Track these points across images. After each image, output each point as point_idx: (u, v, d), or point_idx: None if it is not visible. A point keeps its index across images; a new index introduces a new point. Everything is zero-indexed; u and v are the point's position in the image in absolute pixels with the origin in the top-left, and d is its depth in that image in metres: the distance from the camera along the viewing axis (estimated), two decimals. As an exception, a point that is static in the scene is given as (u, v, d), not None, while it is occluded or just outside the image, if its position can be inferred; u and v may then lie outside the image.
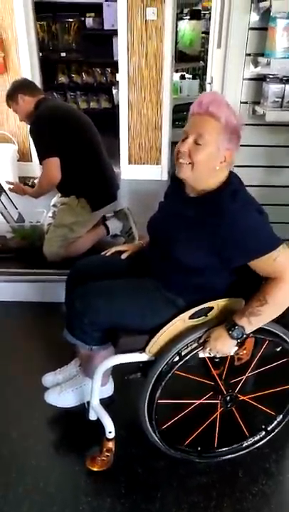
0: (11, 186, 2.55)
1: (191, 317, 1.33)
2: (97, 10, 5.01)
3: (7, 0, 3.42)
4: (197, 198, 1.34)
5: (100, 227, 2.51)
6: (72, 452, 1.56)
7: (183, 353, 1.31)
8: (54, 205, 2.58)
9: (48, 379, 1.73)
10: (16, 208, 2.77)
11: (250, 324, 1.26)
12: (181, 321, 1.33)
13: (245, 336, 1.27)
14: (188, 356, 1.32)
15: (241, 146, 1.31)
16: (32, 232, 2.59)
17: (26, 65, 3.63)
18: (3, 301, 2.37)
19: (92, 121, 2.46)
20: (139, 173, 3.77)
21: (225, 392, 1.42)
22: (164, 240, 1.37)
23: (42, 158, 2.33)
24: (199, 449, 1.50)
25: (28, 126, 3.63)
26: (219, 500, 1.43)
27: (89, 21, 5.13)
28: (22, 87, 2.44)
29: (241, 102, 2.10)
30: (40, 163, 2.38)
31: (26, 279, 2.40)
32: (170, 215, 1.41)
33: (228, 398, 1.43)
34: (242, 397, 1.46)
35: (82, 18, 5.14)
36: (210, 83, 2.81)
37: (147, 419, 1.39)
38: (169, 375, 1.32)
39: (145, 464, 1.51)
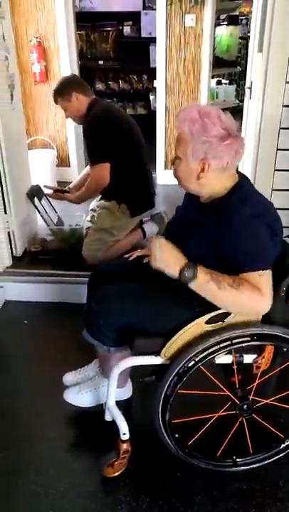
0: (50, 192, 2.62)
1: (208, 322, 1.31)
2: (135, 18, 5.10)
3: (50, 11, 3.54)
4: (206, 205, 1.34)
5: (137, 231, 2.54)
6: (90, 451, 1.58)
7: (198, 358, 1.30)
8: (93, 210, 2.62)
9: (69, 378, 1.77)
10: (56, 212, 2.85)
11: (203, 280, 1.21)
12: (198, 326, 1.31)
13: (187, 280, 1.21)
14: (204, 361, 1.29)
15: (281, 150, 1.28)
16: (71, 235, 2.65)
17: (67, 73, 3.72)
18: (42, 302, 2.44)
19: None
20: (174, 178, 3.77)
21: (239, 402, 1.38)
22: (178, 244, 1.34)
23: (94, 161, 2.34)
24: (234, 457, 1.48)
25: (68, 130, 3.82)
26: (259, 508, 1.40)
27: (126, 30, 5.23)
28: (76, 84, 2.41)
29: (284, 106, 2.08)
30: (91, 166, 2.38)
31: (64, 280, 2.45)
32: (183, 220, 1.43)
33: (244, 407, 1.39)
34: (263, 402, 1.41)
35: (120, 27, 5.24)
36: (249, 87, 2.79)
37: (162, 426, 1.38)
38: (184, 379, 1.30)
39: (184, 468, 1.51)
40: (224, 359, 1.35)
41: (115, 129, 2.30)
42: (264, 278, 1.22)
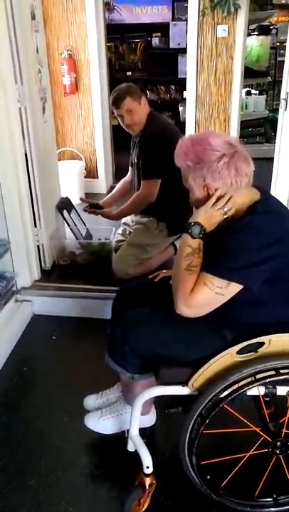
0: (86, 205, 2.56)
1: (239, 352, 1.23)
2: (164, 30, 5.10)
3: (81, 25, 3.56)
4: (230, 227, 1.25)
5: (169, 247, 2.47)
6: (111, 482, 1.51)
7: (229, 391, 1.21)
8: (126, 223, 2.57)
9: (90, 403, 1.70)
10: (85, 225, 2.81)
11: (193, 244, 1.22)
12: (229, 356, 1.23)
13: (189, 230, 1.23)
14: (237, 394, 1.20)
15: None
16: (100, 248, 2.60)
17: (96, 85, 3.73)
18: (69, 316, 2.39)
19: None
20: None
21: (272, 439, 1.28)
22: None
23: (147, 176, 2.29)
24: (275, 496, 1.37)
25: (96, 142, 3.80)
26: None
27: (155, 41, 5.24)
28: (140, 92, 2.31)
29: None
30: (144, 179, 2.31)
31: (93, 295, 2.40)
32: (209, 243, 1.32)
33: (278, 444, 1.29)
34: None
35: (149, 38, 5.26)
36: (285, 99, 2.70)
37: (188, 459, 1.29)
38: (213, 413, 1.21)
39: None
40: (254, 391, 1.25)
41: (171, 147, 2.23)
42: (206, 290, 1.16)
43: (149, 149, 2.26)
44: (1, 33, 1.97)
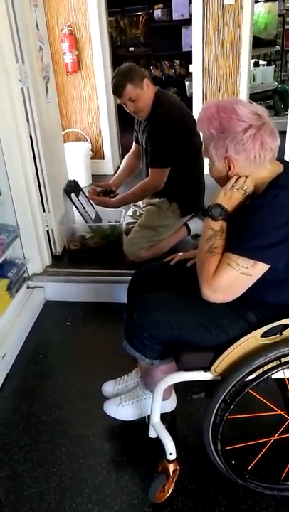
0: (95, 190, 2.50)
1: (264, 335, 1.18)
2: (166, 0, 4.89)
3: (81, -2, 3.40)
4: (248, 207, 1.19)
5: (181, 228, 2.40)
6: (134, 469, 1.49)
7: (254, 375, 1.17)
8: (136, 205, 2.51)
9: (108, 389, 1.67)
10: (94, 208, 2.75)
11: (215, 226, 1.18)
12: (253, 339, 1.18)
13: (210, 212, 1.19)
14: (262, 378, 1.16)
15: None
16: (111, 231, 2.55)
17: (99, 62, 3.60)
18: (82, 301, 2.36)
19: None
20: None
21: None
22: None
23: (156, 165, 2.21)
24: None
25: (102, 122, 3.70)
26: None
27: (157, 13, 5.03)
28: (142, 72, 2.14)
29: None
30: (152, 167, 2.23)
31: (105, 279, 2.36)
32: (233, 223, 1.26)
33: None
34: None
35: (151, 11, 5.05)
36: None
37: (212, 445, 1.26)
38: (238, 398, 1.18)
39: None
40: (279, 374, 1.21)
41: (183, 132, 2.13)
42: (230, 271, 1.11)
43: (159, 138, 2.16)
44: (-1, 9, 1.87)
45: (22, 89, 2.07)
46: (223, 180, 1.22)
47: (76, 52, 3.56)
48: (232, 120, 1.12)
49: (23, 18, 2.00)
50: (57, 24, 3.51)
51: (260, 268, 1.12)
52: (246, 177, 1.18)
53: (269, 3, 4.65)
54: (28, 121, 2.15)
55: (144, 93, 2.12)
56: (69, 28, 3.47)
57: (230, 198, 1.19)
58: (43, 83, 2.28)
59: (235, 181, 1.18)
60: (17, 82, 2.02)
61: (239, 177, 1.18)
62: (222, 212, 1.18)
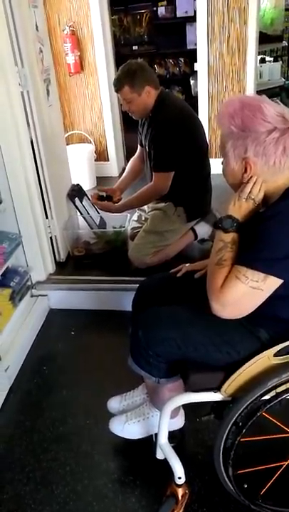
0: (97, 194, 2.44)
1: (277, 354, 1.11)
2: (170, -3, 4.81)
3: (83, -3, 3.34)
4: (262, 214, 1.11)
5: (188, 233, 2.33)
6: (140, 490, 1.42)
7: (268, 396, 1.09)
8: (141, 209, 2.44)
9: (114, 406, 1.60)
10: (98, 212, 2.68)
11: (226, 238, 1.12)
12: (265, 359, 1.11)
13: (221, 224, 1.12)
14: (276, 401, 1.09)
15: None
16: (115, 237, 2.48)
17: (102, 62, 3.54)
18: (87, 309, 2.30)
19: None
20: (220, 167, 3.48)
21: None
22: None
23: (160, 169, 2.14)
24: None
25: (106, 123, 3.63)
26: None
27: (161, 10, 4.95)
28: (149, 75, 2.07)
29: None
30: (155, 172, 2.17)
31: (110, 287, 2.30)
32: (244, 233, 1.18)
33: None
34: None
35: (154, 8, 4.97)
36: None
37: (223, 470, 1.19)
38: (250, 422, 1.10)
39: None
40: None
41: (186, 135, 2.07)
42: (238, 284, 1.04)
43: (162, 142, 2.09)
44: (-4, 11, 1.81)
45: (22, 93, 2.01)
46: (235, 184, 1.14)
47: (78, 53, 3.50)
48: (256, 119, 1.03)
49: (22, 20, 1.93)
50: (58, 24, 3.45)
51: (273, 282, 1.05)
52: (254, 183, 1.09)
53: (275, -2, 4.54)
54: (28, 125, 2.09)
55: (139, 99, 2.07)
56: (71, 28, 3.40)
57: (239, 208, 1.12)
58: (43, 86, 2.22)
59: (242, 190, 1.10)
60: (16, 86, 1.96)
61: (246, 184, 1.10)
62: (233, 223, 1.11)
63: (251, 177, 1.09)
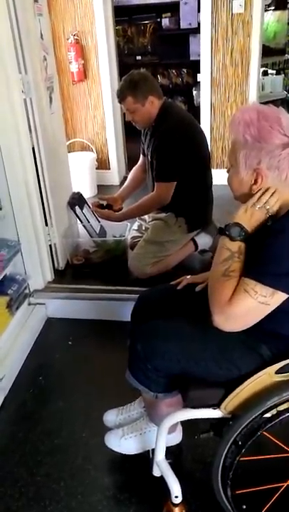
0: (97, 202, 2.43)
1: (279, 371, 1.08)
2: (174, 9, 4.85)
3: (88, 7, 3.36)
4: (267, 227, 1.09)
5: (188, 243, 2.31)
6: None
7: (268, 415, 1.06)
8: (141, 219, 2.43)
9: (110, 419, 1.57)
10: (98, 221, 2.67)
11: (232, 247, 1.09)
12: (267, 376, 1.08)
13: (229, 231, 1.10)
14: (277, 420, 1.06)
15: None
16: (115, 246, 2.46)
17: (105, 71, 3.55)
18: (86, 319, 2.27)
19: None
20: (222, 178, 3.47)
21: None
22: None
23: (162, 179, 2.14)
24: None
25: (108, 132, 3.64)
26: None
27: (165, 22, 4.99)
28: (152, 87, 2.06)
29: None
30: (158, 182, 2.16)
31: (109, 297, 2.27)
32: (252, 245, 1.16)
33: None
34: None
35: (158, 19, 5.01)
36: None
37: (221, 490, 1.16)
38: (250, 441, 1.08)
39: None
40: None
41: (189, 145, 2.07)
42: (247, 298, 1.01)
43: (164, 152, 2.09)
44: (1, 18, 1.81)
45: (25, 100, 2.00)
46: (240, 193, 1.12)
47: (82, 62, 3.52)
48: (273, 131, 1.02)
49: (27, 28, 1.94)
50: (63, 33, 3.47)
51: (280, 297, 1.02)
52: (272, 194, 1.07)
53: (278, 12, 4.58)
54: (30, 132, 2.08)
55: (143, 109, 2.07)
56: (75, 37, 3.43)
57: (251, 216, 1.09)
58: (46, 94, 2.22)
59: (258, 199, 1.08)
60: (19, 93, 1.96)
61: (264, 193, 1.07)
62: (241, 232, 1.08)
63: (268, 188, 1.07)
